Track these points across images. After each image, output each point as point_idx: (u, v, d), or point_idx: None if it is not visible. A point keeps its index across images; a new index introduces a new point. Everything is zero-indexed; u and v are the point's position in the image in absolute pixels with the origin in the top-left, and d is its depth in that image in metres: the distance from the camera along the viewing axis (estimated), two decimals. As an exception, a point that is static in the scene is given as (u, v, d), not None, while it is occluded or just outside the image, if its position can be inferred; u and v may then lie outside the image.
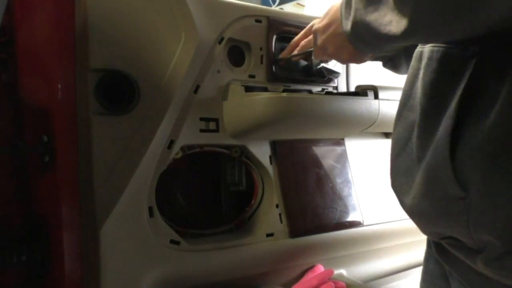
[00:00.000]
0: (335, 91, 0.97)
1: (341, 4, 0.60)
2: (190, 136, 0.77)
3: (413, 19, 0.44)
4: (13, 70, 0.72)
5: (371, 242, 1.01)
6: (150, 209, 0.73)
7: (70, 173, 0.69)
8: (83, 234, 0.70)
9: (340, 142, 0.99)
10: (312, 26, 0.76)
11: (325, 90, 0.94)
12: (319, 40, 0.70)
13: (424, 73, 0.51)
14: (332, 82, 0.96)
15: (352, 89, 1.01)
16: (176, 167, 0.83)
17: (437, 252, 0.59)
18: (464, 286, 0.54)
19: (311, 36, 0.77)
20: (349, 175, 0.97)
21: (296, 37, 0.83)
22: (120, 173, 0.69)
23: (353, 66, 1.02)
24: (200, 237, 0.83)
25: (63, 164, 0.68)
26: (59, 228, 0.68)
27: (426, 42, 0.51)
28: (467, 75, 0.46)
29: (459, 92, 0.46)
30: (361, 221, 0.96)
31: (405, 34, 0.46)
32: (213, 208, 0.97)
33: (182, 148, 0.78)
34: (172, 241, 0.75)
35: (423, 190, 0.51)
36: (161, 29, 0.72)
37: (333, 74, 0.90)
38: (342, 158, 0.98)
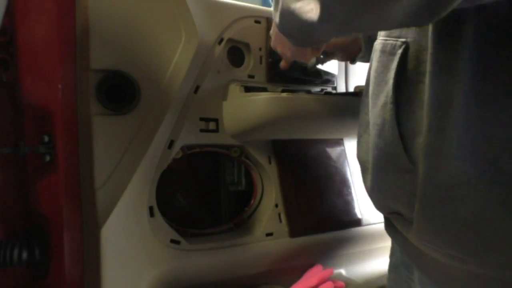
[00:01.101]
0: (334, 91, 0.98)
1: None
2: (190, 136, 0.78)
3: (325, 4, 0.44)
4: (13, 70, 0.73)
5: (370, 242, 1.02)
6: (151, 208, 0.74)
7: (71, 172, 0.69)
8: (84, 234, 0.71)
9: (339, 142, 0.99)
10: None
11: (324, 91, 0.95)
12: (271, 42, 0.77)
13: (372, 63, 0.57)
14: (331, 83, 0.96)
15: (351, 89, 1.01)
16: (176, 167, 0.84)
17: (386, 226, 0.64)
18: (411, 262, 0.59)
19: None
20: (348, 175, 0.98)
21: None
22: (120, 173, 0.69)
23: (351, 67, 1.03)
24: (200, 236, 0.83)
25: (63, 164, 0.68)
26: (60, 228, 0.69)
27: (342, 32, 0.51)
28: (395, 63, 0.51)
29: (391, 79, 0.52)
30: (360, 221, 0.96)
31: (321, 20, 0.45)
32: (212, 207, 0.97)
33: (182, 148, 0.78)
34: (172, 241, 0.75)
35: (378, 166, 0.56)
36: (162, 30, 0.73)
37: (328, 75, 0.91)
38: (341, 158, 0.98)
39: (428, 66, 0.47)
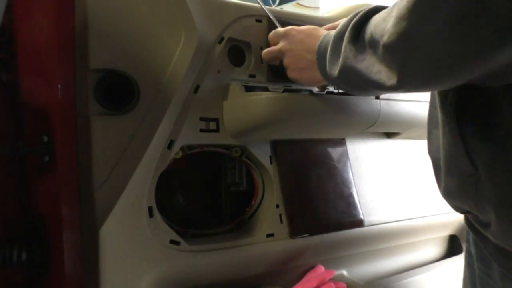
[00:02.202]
0: (336, 91, 0.97)
1: (323, 48, 0.66)
2: (190, 136, 0.77)
3: (402, 75, 0.49)
4: (12, 70, 0.72)
5: (372, 243, 1.01)
6: (150, 209, 0.73)
7: (70, 173, 0.69)
8: (83, 234, 0.70)
9: (341, 142, 0.99)
10: (279, 35, 0.77)
11: (326, 90, 0.94)
12: (289, 74, 0.77)
13: None
14: (333, 82, 0.95)
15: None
16: (176, 167, 0.83)
17: (466, 224, 0.65)
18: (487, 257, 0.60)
19: (276, 47, 0.78)
20: (350, 175, 0.97)
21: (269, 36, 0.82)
22: (119, 173, 0.69)
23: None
24: (200, 237, 0.83)
25: (63, 164, 0.68)
26: (59, 227, 0.68)
27: (414, 91, 0.56)
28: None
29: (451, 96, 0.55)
30: (362, 221, 0.95)
31: (394, 87, 0.51)
32: (213, 208, 0.97)
33: (182, 148, 0.78)
34: (172, 241, 0.75)
35: (446, 169, 0.59)
36: (161, 29, 0.72)
37: None
38: (343, 158, 0.98)
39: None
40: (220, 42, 0.79)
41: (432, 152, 0.66)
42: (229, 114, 0.80)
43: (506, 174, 0.49)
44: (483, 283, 0.62)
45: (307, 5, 1.13)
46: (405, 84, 0.50)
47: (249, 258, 0.83)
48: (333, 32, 0.65)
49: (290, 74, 0.76)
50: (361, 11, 0.58)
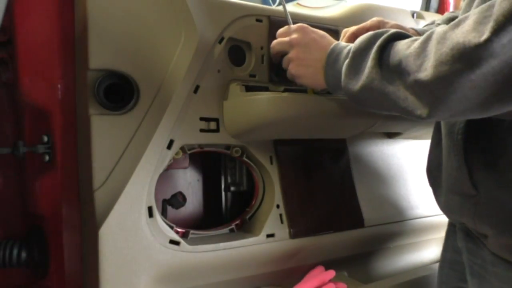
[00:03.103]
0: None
1: (333, 58, 0.67)
2: (190, 136, 0.77)
3: (433, 110, 0.53)
4: (12, 70, 0.72)
5: (372, 243, 1.01)
6: (150, 209, 0.73)
7: (70, 172, 0.69)
8: (83, 234, 0.70)
9: (342, 142, 0.98)
10: (292, 29, 0.76)
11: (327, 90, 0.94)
12: (291, 68, 0.76)
13: None
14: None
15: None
16: (177, 167, 0.83)
17: (461, 232, 0.72)
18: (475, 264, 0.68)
19: (286, 38, 0.77)
20: (351, 176, 0.97)
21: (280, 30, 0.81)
22: (119, 173, 0.69)
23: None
24: (200, 237, 0.83)
25: (62, 163, 0.68)
26: (59, 228, 0.69)
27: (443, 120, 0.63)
28: None
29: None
30: (363, 222, 0.95)
31: (424, 117, 0.54)
32: (213, 208, 0.97)
33: (182, 148, 0.77)
34: (171, 242, 0.75)
35: (447, 187, 0.67)
36: (161, 29, 0.72)
37: None
38: (344, 158, 0.97)
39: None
40: (220, 42, 0.79)
41: (431, 169, 0.74)
42: (229, 114, 0.80)
43: (506, 198, 0.57)
44: (474, 272, 0.68)
45: (307, 5, 1.13)
46: (435, 117, 0.54)
47: (249, 258, 0.83)
48: (345, 45, 0.67)
49: (292, 68, 0.75)
50: (381, 32, 0.61)
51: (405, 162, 1.08)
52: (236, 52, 0.83)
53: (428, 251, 1.16)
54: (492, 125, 0.58)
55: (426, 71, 0.51)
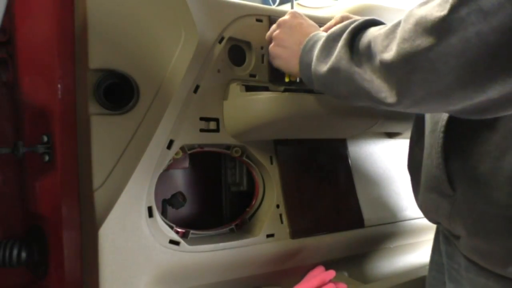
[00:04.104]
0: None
1: (310, 44, 0.66)
2: (190, 136, 0.77)
3: (399, 93, 0.50)
4: (12, 70, 0.73)
5: (372, 243, 1.01)
6: (150, 209, 0.73)
7: (70, 172, 0.69)
8: (83, 234, 0.70)
9: (342, 142, 0.98)
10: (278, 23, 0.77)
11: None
12: (271, 47, 0.78)
13: None
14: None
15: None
16: (177, 167, 0.83)
17: (442, 235, 0.73)
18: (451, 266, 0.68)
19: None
20: (351, 175, 0.97)
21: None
22: (119, 173, 0.69)
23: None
24: (200, 237, 0.83)
25: (62, 163, 0.68)
26: (58, 228, 0.68)
27: (411, 111, 0.57)
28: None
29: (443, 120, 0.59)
30: (363, 222, 0.95)
31: (392, 104, 0.52)
32: (213, 208, 0.97)
33: (182, 148, 0.77)
34: (171, 241, 0.75)
35: (425, 185, 0.65)
36: (161, 29, 0.72)
37: None
38: (344, 158, 0.97)
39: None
40: (220, 42, 0.79)
41: (411, 167, 0.73)
42: (229, 114, 0.80)
43: (482, 201, 0.55)
44: (451, 276, 0.67)
45: (307, 5, 1.13)
46: (401, 104, 0.51)
47: (249, 258, 0.83)
48: (323, 33, 0.66)
49: (272, 48, 0.77)
50: (356, 20, 0.60)
51: (405, 162, 1.08)
52: (236, 52, 0.83)
53: (428, 251, 1.16)
54: (472, 126, 0.56)
55: (391, 51, 0.48)
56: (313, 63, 0.63)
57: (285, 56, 0.74)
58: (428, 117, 0.64)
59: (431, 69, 0.44)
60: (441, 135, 0.59)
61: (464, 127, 0.57)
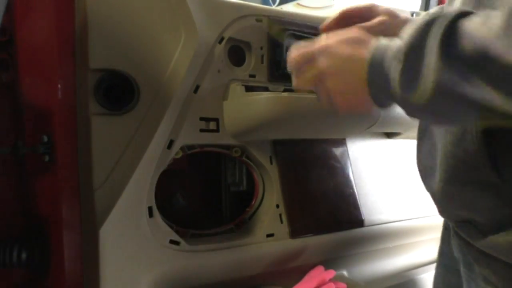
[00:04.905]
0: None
1: (377, 64, 0.48)
2: (190, 136, 0.77)
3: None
4: (12, 70, 0.72)
5: (372, 243, 1.01)
6: (150, 209, 0.73)
7: (70, 173, 0.69)
8: (83, 234, 0.70)
9: (341, 142, 0.98)
10: (313, 53, 0.56)
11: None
12: (328, 84, 0.57)
13: None
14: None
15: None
16: (176, 167, 0.83)
17: (456, 240, 0.64)
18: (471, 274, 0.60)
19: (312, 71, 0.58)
20: (351, 175, 0.97)
21: (296, 55, 0.59)
22: (119, 173, 0.69)
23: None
24: (200, 237, 0.83)
25: (63, 164, 0.68)
26: (59, 227, 0.68)
27: None
28: None
29: None
30: (363, 221, 0.95)
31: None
32: (213, 208, 0.97)
33: (182, 148, 0.78)
34: (171, 241, 0.75)
35: (453, 176, 0.54)
36: (161, 29, 0.72)
37: None
38: (344, 158, 0.97)
39: None
40: (220, 42, 0.79)
41: (423, 160, 0.62)
42: (229, 114, 0.80)
43: None
44: (469, 285, 0.62)
45: (307, 5, 1.13)
46: None
47: (249, 258, 0.83)
48: (386, 42, 0.49)
49: (339, 101, 0.58)
50: (434, 16, 0.43)
51: (405, 162, 1.08)
52: (236, 52, 0.83)
53: (428, 250, 1.17)
54: None
55: None
56: (398, 95, 0.47)
57: (354, 101, 0.57)
58: None
59: None
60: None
61: None
